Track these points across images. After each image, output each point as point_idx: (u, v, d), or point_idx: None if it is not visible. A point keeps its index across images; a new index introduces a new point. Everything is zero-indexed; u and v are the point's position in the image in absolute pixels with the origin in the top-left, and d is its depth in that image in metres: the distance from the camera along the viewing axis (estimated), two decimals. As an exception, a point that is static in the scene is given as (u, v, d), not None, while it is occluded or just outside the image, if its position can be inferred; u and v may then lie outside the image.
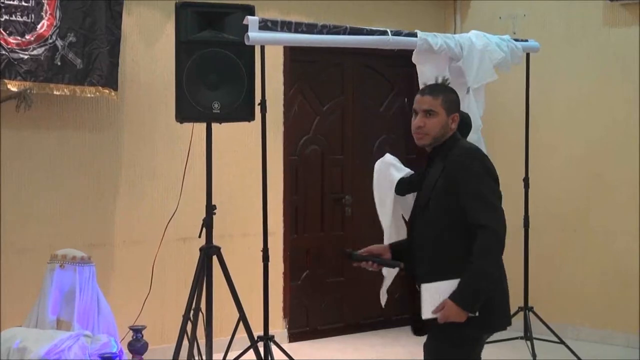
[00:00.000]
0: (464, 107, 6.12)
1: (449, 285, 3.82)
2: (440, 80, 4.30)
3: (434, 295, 3.84)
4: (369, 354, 7.31)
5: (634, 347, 7.16)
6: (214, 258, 5.60)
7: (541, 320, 6.78)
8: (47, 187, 6.32)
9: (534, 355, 6.56)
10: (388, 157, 5.42)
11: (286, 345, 7.04)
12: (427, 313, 3.85)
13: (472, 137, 6.10)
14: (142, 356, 5.90)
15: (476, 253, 3.78)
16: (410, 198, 5.83)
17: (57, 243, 6.05)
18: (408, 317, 8.12)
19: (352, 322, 7.98)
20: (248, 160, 6.94)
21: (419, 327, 4.03)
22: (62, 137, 6.38)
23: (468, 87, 6.22)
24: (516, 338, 6.79)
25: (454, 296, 3.80)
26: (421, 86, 6.30)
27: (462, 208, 3.86)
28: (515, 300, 6.93)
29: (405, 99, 8.14)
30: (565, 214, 7.69)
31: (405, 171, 5.29)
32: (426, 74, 6.25)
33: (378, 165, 5.49)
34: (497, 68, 6.41)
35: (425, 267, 3.97)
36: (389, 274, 5.39)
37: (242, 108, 5.58)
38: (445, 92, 4.09)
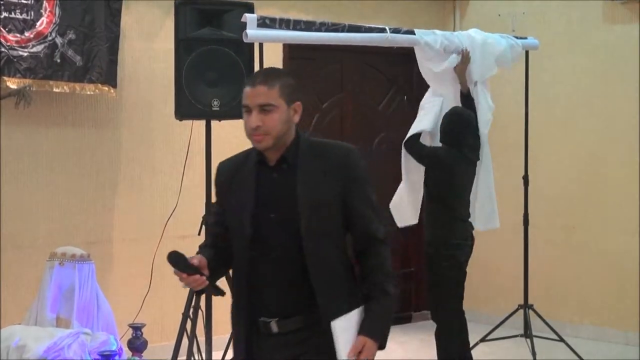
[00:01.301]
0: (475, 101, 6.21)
1: (356, 316, 3.19)
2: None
3: (349, 331, 3.17)
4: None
5: (633, 345, 7.16)
6: (214, 255, 5.60)
7: (541, 317, 6.78)
8: (47, 184, 6.32)
9: (533, 353, 6.56)
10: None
11: (285, 343, 7.03)
12: (344, 354, 3.14)
13: (483, 132, 6.17)
14: (142, 354, 5.90)
15: (379, 274, 3.20)
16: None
17: (56, 240, 6.05)
18: (405, 315, 8.21)
19: (351, 319, 7.96)
20: (247, 157, 6.94)
21: None
22: (62, 134, 6.38)
23: (475, 80, 6.24)
24: (516, 336, 6.80)
25: (372, 333, 3.17)
26: (429, 82, 6.35)
27: (345, 217, 3.20)
28: (515, 298, 7.01)
29: (405, 96, 8.14)
30: (565, 212, 7.69)
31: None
32: (430, 72, 6.28)
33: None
34: (498, 64, 6.41)
35: (326, 296, 3.15)
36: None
37: (241, 105, 5.56)
38: (281, 77, 3.33)
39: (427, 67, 6.26)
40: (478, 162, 6.12)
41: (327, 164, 3.21)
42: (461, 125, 5.96)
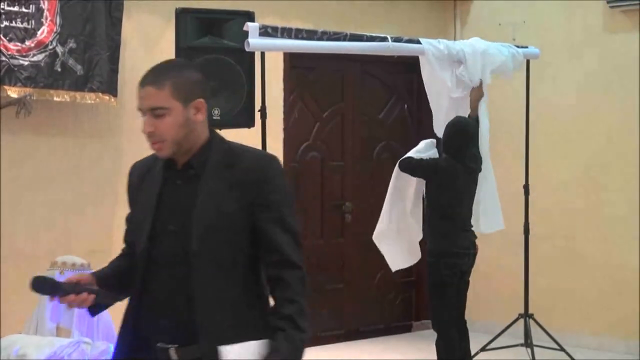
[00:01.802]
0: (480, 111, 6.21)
1: (253, 349, 2.78)
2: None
3: None
4: (369, 360, 7.31)
5: (634, 354, 7.14)
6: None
7: (541, 327, 6.78)
8: (47, 193, 6.31)
9: (534, 362, 6.56)
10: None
11: (286, 352, 7.02)
12: None
13: (484, 150, 6.17)
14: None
15: (291, 305, 2.77)
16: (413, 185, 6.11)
17: (56, 249, 6.03)
18: (406, 324, 8.20)
19: (351, 329, 7.96)
20: (248, 166, 6.93)
21: None
22: (62, 143, 6.38)
23: (469, 85, 6.25)
24: (517, 345, 6.79)
25: None
26: (430, 98, 6.34)
27: (255, 238, 2.82)
28: (515, 307, 7.00)
29: (405, 105, 8.14)
30: (565, 221, 7.68)
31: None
32: (433, 82, 6.27)
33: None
34: (499, 74, 6.41)
35: (217, 323, 2.78)
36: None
37: (241, 114, 5.58)
38: (172, 74, 2.85)
39: (439, 80, 6.23)
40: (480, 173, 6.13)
41: (238, 175, 2.79)
42: (462, 134, 5.97)
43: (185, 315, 2.75)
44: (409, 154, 6.18)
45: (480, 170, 6.10)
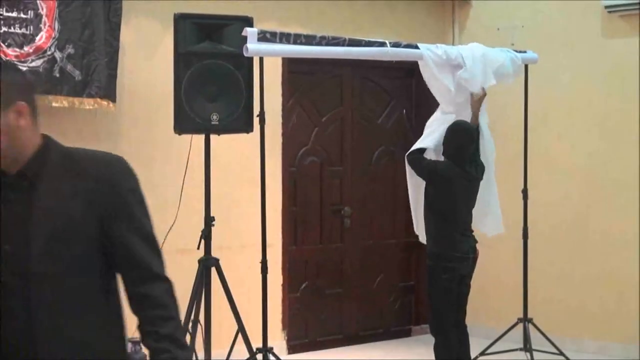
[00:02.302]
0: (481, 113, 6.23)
1: None
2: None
3: None
4: (368, 365, 7.30)
5: (633, 359, 7.14)
6: (213, 269, 5.60)
7: (540, 331, 6.77)
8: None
9: (533, 366, 6.56)
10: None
11: (285, 357, 7.03)
12: None
13: (490, 169, 6.22)
14: (141, 368, 5.88)
15: (166, 322, 2.46)
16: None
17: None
18: (405, 329, 8.20)
19: (351, 333, 7.96)
20: (247, 171, 6.93)
21: None
22: (61, 148, 6.37)
23: (471, 91, 6.24)
24: (515, 350, 6.79)
25: None
26: (440, 101, 6.35)
27: (110, 251, 2.48)
28: (514, 312, 7.00)
29: (404, 110, 8.14)
30: (565, 225, 7.68)
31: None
32: (436, 86, 6.28)
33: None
34: (499, 78, 6.41)
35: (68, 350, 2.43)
36: None
37: (240, 119, 5.59)
38: None
39: (441, 85, 6.24)
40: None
41: (81, 183, 2.45)
42: (462, 138, 5.97)
43: (31, 354, 2.39)
44: (418, 144, 6.21)
45: (481, 177, 6.09)
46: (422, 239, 6.28)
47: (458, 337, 6.04)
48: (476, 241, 6.05)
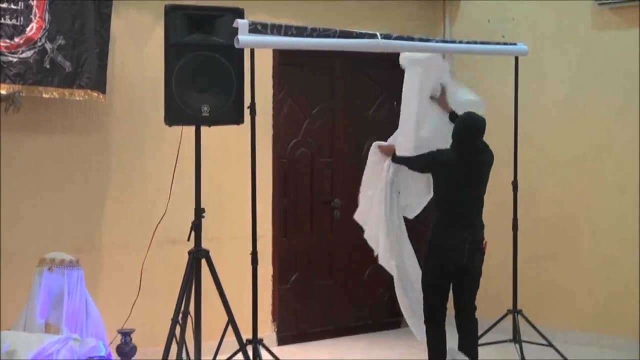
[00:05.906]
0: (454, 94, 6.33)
1: None
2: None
3: None
4: (359, 357, 7.31)
5: (622, 350, 7.17)
6: (203, 261, 5.60)
7: (530, 323, 6.79)
8: (36, 190, 6.31)
9: (522, 358, 6.57)
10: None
11: (275, 349, 7.03)
12: None
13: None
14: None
15: None
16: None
17: (45, 247, 6.02)
18: (394, 320, 8.21)
19: (341, 325, 7.98)
20: (237, 163, 6.94)
21: None
22: (51, 140, 6.37)
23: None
24: (505, 341, 6.81)
25: None
26: (405, 92, 6.43)
27: None
28: (503, 303, 7.02)
29: (395, 102, 8.14)
30: (554, 217, 7.71)
31: None
32: (412, 78, 6.32)
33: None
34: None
35: None
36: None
37: (231, 111, 5.58)
38: None
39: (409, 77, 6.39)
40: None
41: None
42: (466, 127, 5.96)
43: None
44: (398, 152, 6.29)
45: (485, 166, 6.06)
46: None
47: (470, 328, 6.06)
48: (480, 232, 6.02)
